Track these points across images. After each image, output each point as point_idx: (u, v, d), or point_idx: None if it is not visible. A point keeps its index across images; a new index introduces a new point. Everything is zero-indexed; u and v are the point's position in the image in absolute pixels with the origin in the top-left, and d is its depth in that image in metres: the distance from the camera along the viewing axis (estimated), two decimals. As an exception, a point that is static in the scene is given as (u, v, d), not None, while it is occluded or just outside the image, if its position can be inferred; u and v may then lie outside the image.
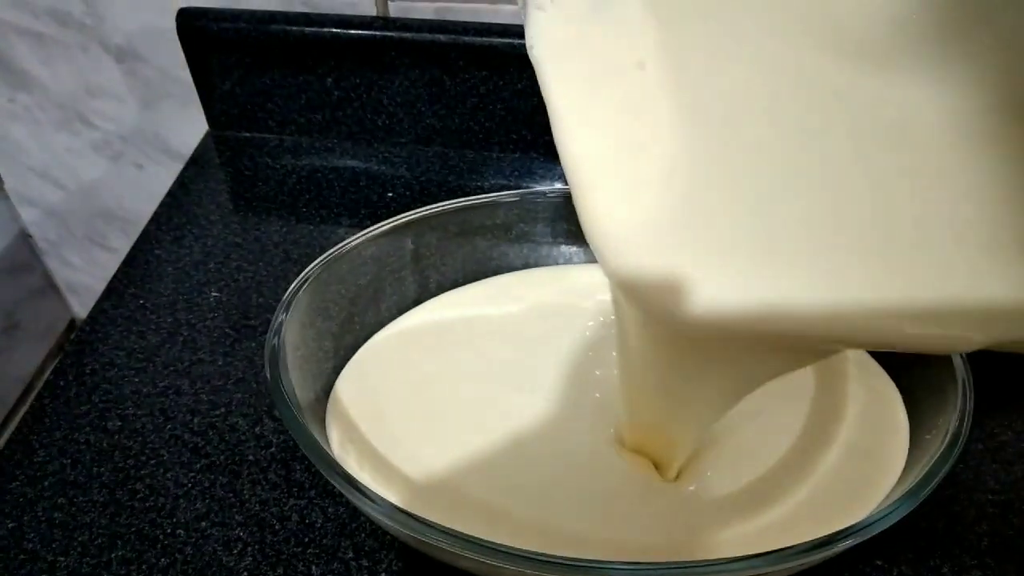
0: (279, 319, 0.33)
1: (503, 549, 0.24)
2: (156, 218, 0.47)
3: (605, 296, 0.39)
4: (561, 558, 0.24)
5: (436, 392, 0.35)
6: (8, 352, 0.70)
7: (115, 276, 0.44)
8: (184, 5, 0.49)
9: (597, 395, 0.36)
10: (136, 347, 0.40)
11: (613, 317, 0.38)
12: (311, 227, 0.46)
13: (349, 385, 0.35)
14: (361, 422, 0.34)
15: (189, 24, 0.48)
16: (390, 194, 0.48)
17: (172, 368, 0.39)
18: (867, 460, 0.30)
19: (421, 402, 0.35)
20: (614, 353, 0.36)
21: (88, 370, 0.39)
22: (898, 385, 0.33)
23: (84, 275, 0.72)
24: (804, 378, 0.34)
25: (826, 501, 0.29)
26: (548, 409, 0.35)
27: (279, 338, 0.32)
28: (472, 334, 0.38)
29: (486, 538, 0.24)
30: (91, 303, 0.73)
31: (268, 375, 0.30)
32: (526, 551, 0.24)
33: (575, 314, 0.39)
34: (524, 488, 0.31)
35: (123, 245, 0.68)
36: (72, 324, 0.76)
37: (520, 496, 0.31)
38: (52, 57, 0.56)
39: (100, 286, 0.71)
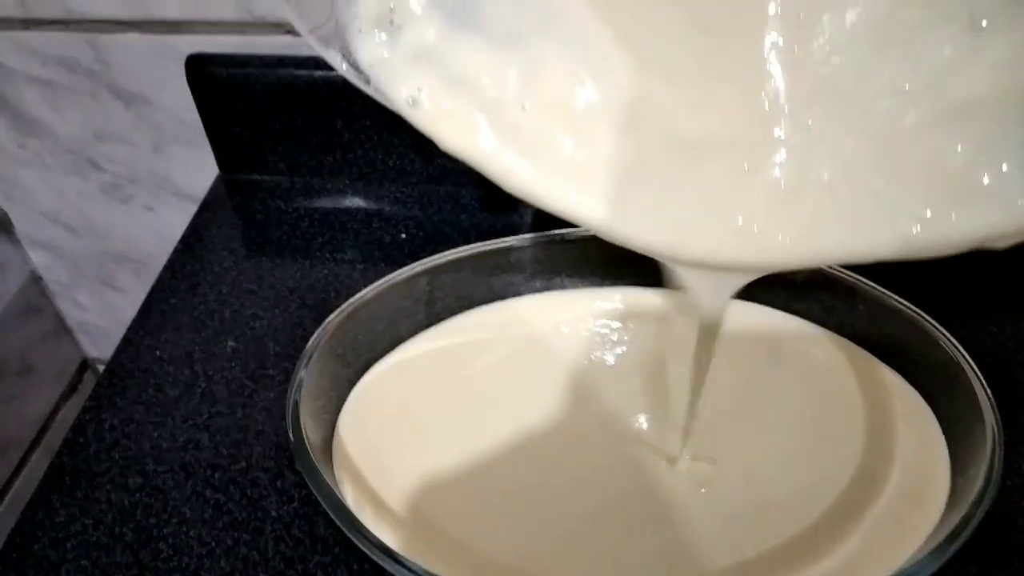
0: (299, 376, 0.33)
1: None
2: (170, 265, 0.47)
3: (610, 322, 0.39)
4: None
5: (436, 425, 0.35)
6: (23, 395, 0.70)
7: (131, 327, 0.44)
8: (193, 51, 0.49)
9: (607, 423, 0.36)
10: (154, 401, 0.40)
11: (617, 340, 0.38)
12: (325, 271, 0.46)
13: (351, 421, 0.35)
14: (364, 465, 0.33)
15: (198, 70, 0.48)
16: (403, 235, 0.48)
17: (191, 422, 0.39)
18: (909, 502, 0.30)
19: (421, 437, 0.35)
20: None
21: (107, 426, 0.39)
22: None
23: (95, 315, 0.72)
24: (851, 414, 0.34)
25: (868, 546, 0.29)
26: (549, 435, 0.35)
27: (300, 394, 0.32)
28: (472, 362, 0.38)
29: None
30: (102, 343, 0.74)
31: (291, 436, 0.30)
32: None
33: (578, 341, 0.39)
34: (533, 533, 0.31)
35: (133, 285, 0.69)
36: (84, 364, 0.76)
37: (529, 540, 0.31)
38: (61, 103, 0.56)
39: (111, 326, 0.72)
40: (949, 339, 0.32)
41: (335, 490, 0.30)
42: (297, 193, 0.51)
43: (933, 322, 0.33)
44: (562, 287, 0.40)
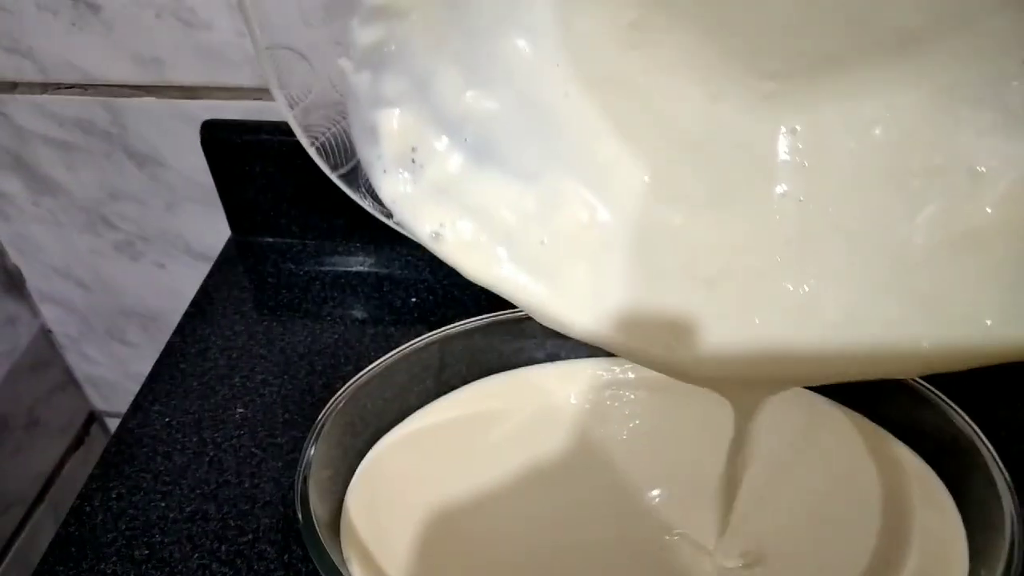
0: (307, 454, 0.33)
1: None
2: (180, 329, 0.47)
3: (623, 392, 0.39)
4: None
5: (445, 499, 0.35)
6: (29, 449, 0.70)
7: (140, 392, 0.44)
8: (207, 115, 0.50)
9: (620, 498, 0.35)
10: (162, 469, 0.40)
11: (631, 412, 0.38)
12: (336, 335, 0.46)
13: (359, 495, 0.35)
14: (372, 541, 0.33)
15: (213, 136, 0.49)
16: (414, 299, 0.48)
17: (199, 491, 0.39)
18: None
19: (430, 511, 0.34)
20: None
21: (114, 494, 0.39)
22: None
23: (103, 369, 0.72)
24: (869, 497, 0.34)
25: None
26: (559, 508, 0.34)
27: (308, 472, 0.32)
28: (482, 434, 0.38)
29: None
30: (110, 396, 0.74)
31: (299, 517, 0.30)
32: None
33: (590, 412, 0.39)
34: None
35: (142, 340, 0.69)
36: (91, 416, 0.75)
37: None
38: (76, 163, 0.57)
39: (119, 379, 0.72)
40: (967, 420, 0.32)
41: (342, 570, 0.29)
42: (308, 256, 0.52)
43: (950, 402, 0.33)
44: (575, 356, 0.40)
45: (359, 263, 0.51)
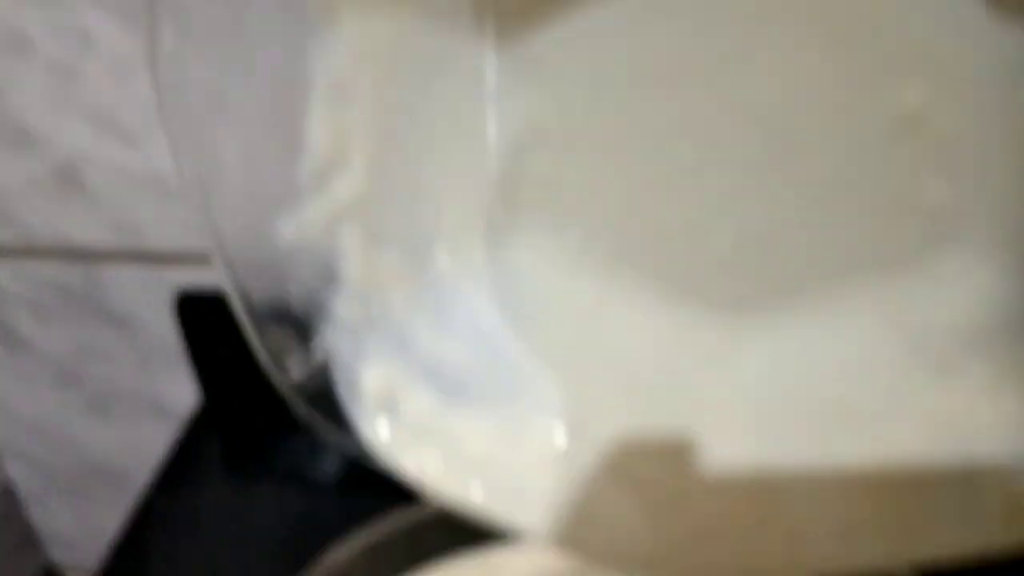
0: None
1: None
2: (147, 502, 0.47)
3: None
4: None
5: None
6: (-18, 611, 0.67)
7: (103, 571, 0.43)
8: (183, 284, 0.51)
9: None
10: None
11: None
12: (306, 505, 0.46)
13: None
14: None
15: (187, 307, 0.50)
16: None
17: None
18: None
19: None
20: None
21: None
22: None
23: (66, 524, 0.70)
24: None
25: None
26: None
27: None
28: None
29: None
30: (71, 551, 0.72)
31: None
32: None
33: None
34: None
35: (107, 497, 0.67)
36: (50, 573, 0.73)
37: None
38: (50, 321, 0.57)
39: (81, 535, 0.70)
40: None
41: None
42: (284, 426, 0.52)
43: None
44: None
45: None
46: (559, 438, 0.25)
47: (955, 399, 0.22)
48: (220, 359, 0.51)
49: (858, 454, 0.23)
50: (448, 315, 0.25)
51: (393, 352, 0.25)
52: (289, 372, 0.25)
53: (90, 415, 0.61)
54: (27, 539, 0.71)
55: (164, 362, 0.56)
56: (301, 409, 0.26)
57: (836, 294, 0.23)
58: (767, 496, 0.23)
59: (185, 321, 0.50)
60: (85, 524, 0.70)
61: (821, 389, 0.24)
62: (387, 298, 0.24)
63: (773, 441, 0.24)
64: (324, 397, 0.26)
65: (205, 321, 0.50)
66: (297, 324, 0.26)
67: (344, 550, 0.36)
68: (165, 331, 0.54)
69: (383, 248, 0.25)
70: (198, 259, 0.51)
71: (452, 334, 0.25)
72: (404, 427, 0.25)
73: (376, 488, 0.47)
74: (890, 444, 0.23)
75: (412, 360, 0.25)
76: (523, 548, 0.40)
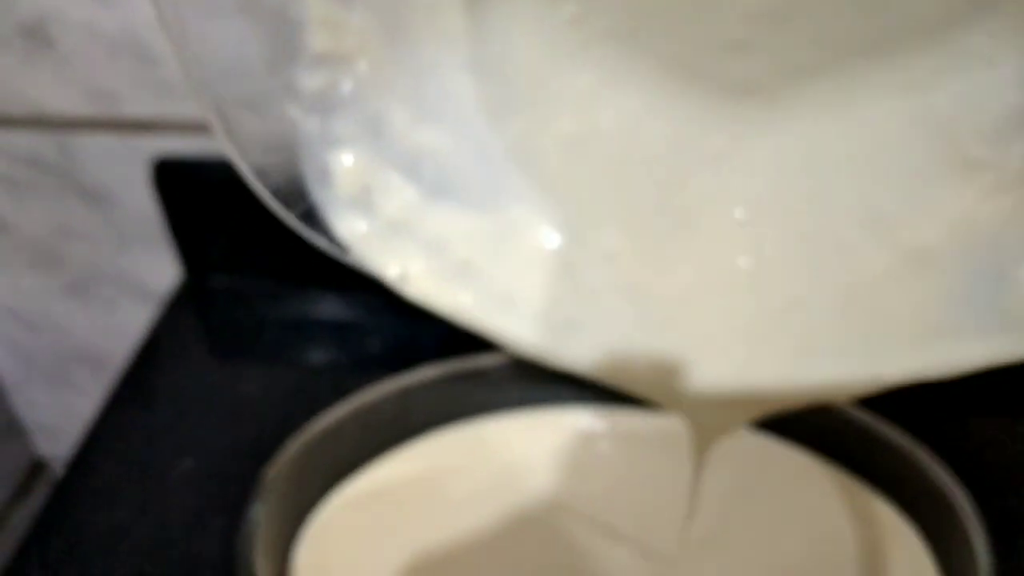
0: (253, 508, 0.31)
1: None
2: (126, 375, 0.45)
3: (591, 443, 0.37)
4: None
5: (401, 561, 0.33)
6: (-31, 498, 0.67)
7: (83, 444, 0.41)
8: (161, 153, 0.48)
9: (585, 555, 0.34)
10: (103, 526, 0.37)
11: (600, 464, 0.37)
12: (291, 383, 0.44)
13: (308, 554, 0.33)
14: None
15: (166, 174, 0.47)
16: (376, 345, 0.46)
17: (141, 549, 0.36)
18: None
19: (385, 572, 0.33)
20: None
21: (53, 554, 0.36)
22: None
23: (51, 414, 0.69)
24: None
25: None
26: None
27: (252, 530, 0.30)
28: (441, 489, 0.36)
29: None
30: (56, 443, 0.71)
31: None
32: None
33: (556, 465, 0.37)
34: None
35: (90, 384, 0.66)
36: (36, 465, 0.72)
37: None
38: (26, 200, 0.55)
39: (66, 425, 0.69)
40: (944, 472, 0.31)
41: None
42: (265, 298, 0.50)
43: (926, 451, 0.32)
44: (542, 405, 0.39)
45: (318, 307, 0.49)
46: (552, 243, 0.23)
47: (981, 197, 0.20)
48: (200, 230, 0.49)
49: (875, 257, 0.21)
50: (424, 96, 0.23)
51: (365, 136, 0.23)
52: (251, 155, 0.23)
53: (69, 298, 0.59)
54: (11, 430, 0.70)
55: (143, 240, 0.54)
56: (266, 195, 0.24)
57: (854, 76, 0.21)
58: (770, 300, 0.22)
59: (163, 189, 0.48)
60: (70, 414, 0.68)
61: (833, 189, 0.22)
62: (354, 68, 0.22)
63: (777, 248, 0.22)
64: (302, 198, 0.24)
65: (184, 189, 0.47)
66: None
67: (331, 416, 0.35)
68: (144, 206, 0.52)
69: (349, 6, 0.22)
70: (177, 126, 0.49)
71: (430, 120, 0.23)
72: (383, 224, 0.23)
73: (367, 364, 0.46)
74: (909, 247, 0.21)
75: (387, 147, 0.23)
76: (512, 421, 0.39)
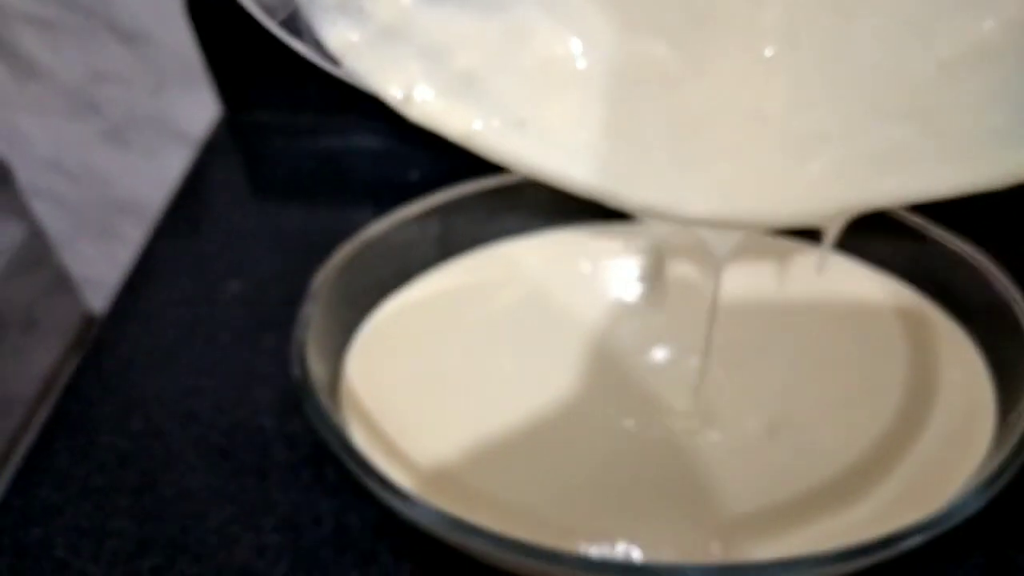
0: (305, 313, 0.31)
1: (556, 554, 0.23)
2: (171, 209, 0.46)
3: (632, 258, 0.38)
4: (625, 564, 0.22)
5: (447, 366, 0.34)
6: (27, 351, 0.69)
7: (131, 272, 0.42)
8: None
9: (625, 363, 0.34)
10: (156, 345, 0.38)
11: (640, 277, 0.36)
12: (332, 212, 0.44)
13: (359, 361, 0.33)
14: (374, 407, 0.32)
15: (202, 8, 0.46)
16: (415, 173, 0.46)
17: (194, 366, 0.37)
18: (949, 445, 0.28)
19: (432, 382, 0.33)
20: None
21: (108, 371, 0.38)
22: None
23: (99, 268, 0.70)
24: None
25: (906, 490, 0.27)
26: (565, 386, 0.33)
27: (306, 332, 0.31)
28: (486, 301, 0.36)
29: (520, 537, 0.23)
30: (107, 296, 0.72)
31: (299, 374, 0.29)
32: (584, 557, 0.22)
33: (597, 279, 0.37)
34: (546, 476, 0.30)
35: (137, 235, 0.67)
36: (88, 319, 0.74)
37: (543, 485, 0.30)
38: (59, 43, 0.54)
39: (115, 279, 0.70)
40: (1001, 275, 0.30)
41: (343, 431, 0.28)
42: (303, 132, 0.49)
43: (981, 256, 0.31)
44: (583, 222, 0.39)
45: (356, 138, 0.49)
46: (569, 49, 0.21)
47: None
48: (238, 65, 0.48)
49: (925, 59, 0.20)
50: None
51: None
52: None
53: (109, 145, 0.59)
54: (62, 285, 0.72)
55: (181, 81, 0.53)
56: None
57: None
58: (797, 123, 0.21)
59: (199, 25, 0.47)
60: (118, 268, 0.70)
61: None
62: None
63: (815, 61, 0.21)
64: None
65: (221, 24, 0.46)
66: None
67: (374, 229, 0.35)
68: (179, 45, 0.51)
69: None
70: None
71: None
72: (375, 31, 0.22)
73: (408, 195, 0.45)
74: (958, 50, 0.19)
75: None
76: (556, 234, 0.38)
